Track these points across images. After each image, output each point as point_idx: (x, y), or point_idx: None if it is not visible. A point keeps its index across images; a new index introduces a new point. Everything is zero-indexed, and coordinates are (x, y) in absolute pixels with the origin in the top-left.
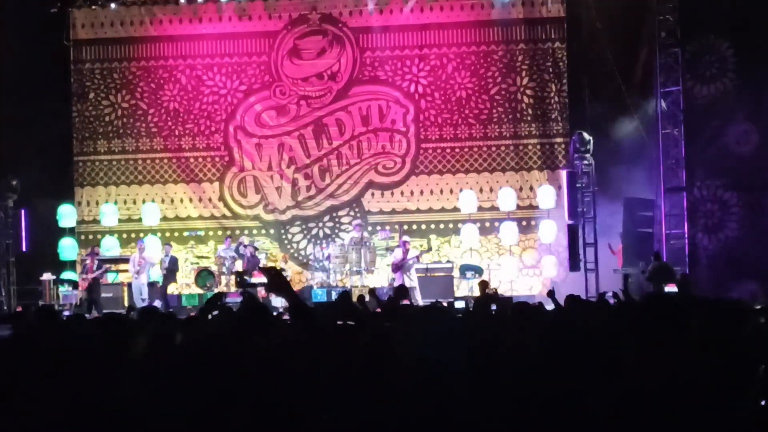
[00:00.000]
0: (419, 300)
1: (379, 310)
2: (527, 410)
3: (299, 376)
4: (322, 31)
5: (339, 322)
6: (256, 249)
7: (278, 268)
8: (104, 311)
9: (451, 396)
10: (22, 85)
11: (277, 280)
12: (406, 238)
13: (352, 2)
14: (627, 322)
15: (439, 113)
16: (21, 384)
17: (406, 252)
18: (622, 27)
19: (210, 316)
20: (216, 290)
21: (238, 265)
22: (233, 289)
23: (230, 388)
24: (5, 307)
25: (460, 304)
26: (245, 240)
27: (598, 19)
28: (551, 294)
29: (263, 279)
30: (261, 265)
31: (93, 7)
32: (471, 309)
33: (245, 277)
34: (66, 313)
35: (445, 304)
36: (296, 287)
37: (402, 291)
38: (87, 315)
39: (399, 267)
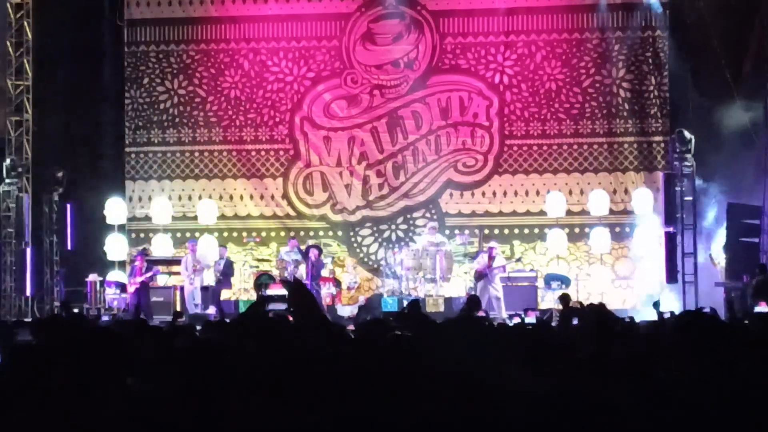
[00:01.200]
0: (503, 313)
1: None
2: None
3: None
4: (399, 13)
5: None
6: (320, 251)
7: (294, 280)
8: (155, 317)
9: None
10: (71, 68)
11: (299, 295)
12: (493, 243)
13: None
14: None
15: (525, 107)
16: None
17: (491, 259)
18: (732, 14)
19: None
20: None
21: (302, 269)
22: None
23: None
24: (49, 309)
25: (530, 318)
26: (311, 242)
27: (705, 5)
28: (656, 306)
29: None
30: (281, 277)
31: None
32: (542, 323)
33: (262, 289)
34: (105, 318)
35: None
36: (365, 294)
37: (475, 302)
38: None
39: (483, 275)
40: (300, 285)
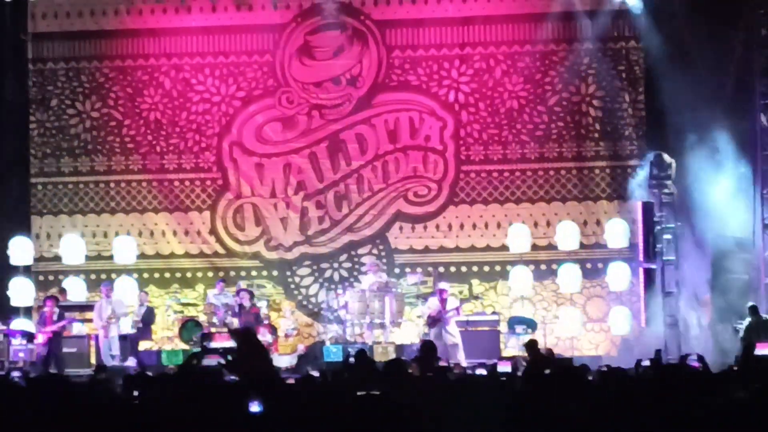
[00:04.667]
0: (462, 360)
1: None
2: None
3: None
4: (340, 24)
5: (360, 393)
6: (252, 295)
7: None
8: (67, 370)
9: None
10: None
11: (249, 347)
12: (443, 284)
13: None
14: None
15: (484, 128)
16: None
17: (443, 302)
18: (713, 23)
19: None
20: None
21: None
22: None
23: None
24: None
25: (504, 367)
26: (242, 284)
27: (683, 13)
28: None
29: (228, 343)
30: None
31: None
32: (520, 374)
33: (205, 341)
34: (15, 374)
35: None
36: (305, 342)
37: (430, 346)
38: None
39: (436, 321)
40: (250, 336)
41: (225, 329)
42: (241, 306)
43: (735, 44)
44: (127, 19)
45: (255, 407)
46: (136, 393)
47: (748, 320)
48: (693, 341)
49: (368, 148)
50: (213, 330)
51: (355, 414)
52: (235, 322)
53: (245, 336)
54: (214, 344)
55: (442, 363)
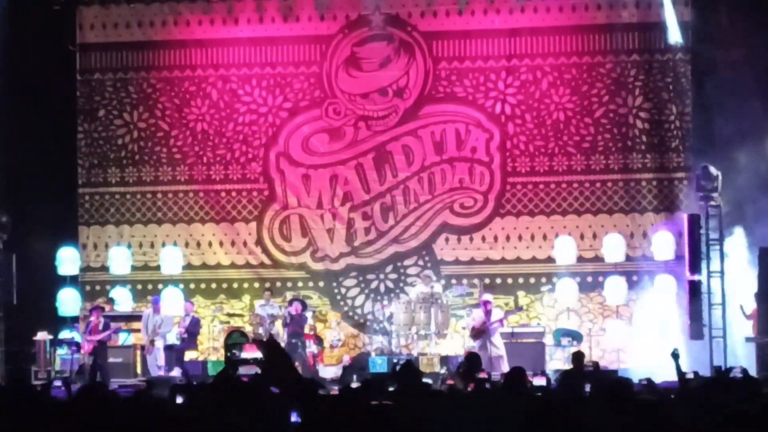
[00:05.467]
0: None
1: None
2: None
3: None
4: (387, 36)
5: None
6: (304, 306)
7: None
8: (112, 380)
9: None
10: (17, 100)
11: (275, 356)
12: (487, 296)
13: (424, 1)
14: None
15: (530, 140)
16: None
17: (488, 314)
18: (763, 35)
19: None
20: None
21: (279, 326)
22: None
23: None
24: None
25: (539, 381)
26: (288, 296)
27: (733, 25)
28: (675, 357)
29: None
30: (254, 338)
31: (105, 3)
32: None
33: (234, 351)
34: (56, 383)
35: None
36: (350, 353)
37: (475, 360)
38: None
39: (480, 332)
40: (275, 345)
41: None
42: (291, 315)
43: None
44: (175, 30)
45: (292, 417)
46: (180, 401)
47: None
48: (738, 354)
49: (414, 160)
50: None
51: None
52: (282, 332)
53: (268, 345)
54: (244, 354)
55: (482, 375)
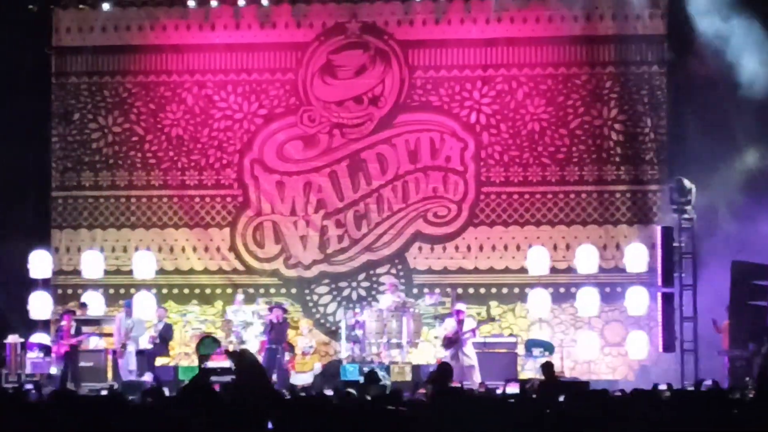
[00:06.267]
0: (478, 382)
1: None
2: None
3: None
4: (363, 44)
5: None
6: (285, 312)
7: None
8: (83, 384)
9: None
10: None
11: (246, 366)
12: (460, 305)
13: (401, 9)
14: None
15: (505, 150)
16: None
17: (460, 323)
18: (739, 46)
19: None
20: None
21: (251, 332)
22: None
23: None
24: None
25: (513, 389)
26: (261, 302)
27: (708, 36)
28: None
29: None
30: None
31: (81, 6)
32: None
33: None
34: (28, 387)
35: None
36: (321, 361)
37: (447, 370)
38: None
39: (452, 342)
40: (246, 355)
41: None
42: (272, 323)
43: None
44: (151, 35)
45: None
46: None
47: (766, 346)
48: (709, 367)
49: (389, 168)
50: (231, 347)
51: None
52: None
53: (241, 355)
54: (211, 364)
55: (455, 384)
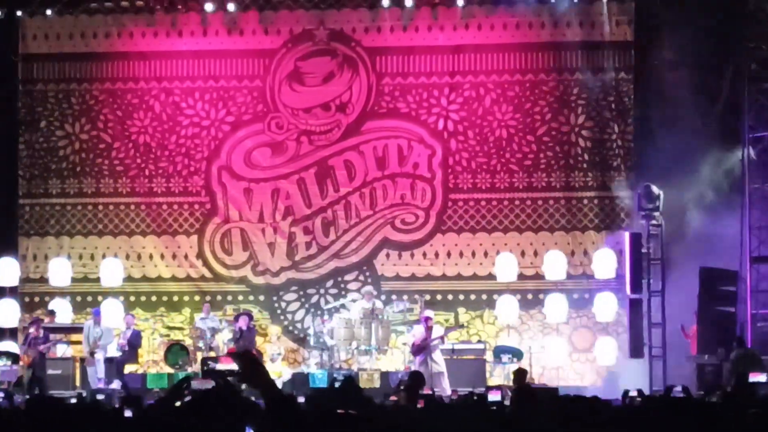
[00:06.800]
0: (447, 389)
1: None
2: None
3: None
4: (331, 50)
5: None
6: (251, 319)
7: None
8: (52, 392)
9: None
10: None
11: (252, 369)
12: (428, 312)
13: (368, 16)
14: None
15: (472, 156)
16: None
17: (428, 330)
18: (703, 55)
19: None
20: (190, 370)
21: (219, 339)
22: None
23: None
24: None
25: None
26: (229, 309)
27: (673, 45)
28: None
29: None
30: (231, 350)
31: (48, 13)
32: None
33: (210, 363)
34: None
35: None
36: (290, 368)
37: (418, 377)
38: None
39: (421, 349)
40: (250, 356)
41: (224, 353)
42: (241, 331)
43: (724, 77)
44: (118, 42)
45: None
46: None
47: (735, 352)
48: (678, 373)
49: (356, 175)
50: (212, 353)
51: None
52: (222, 347)
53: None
54: (219, 366)
55: (426, 391)
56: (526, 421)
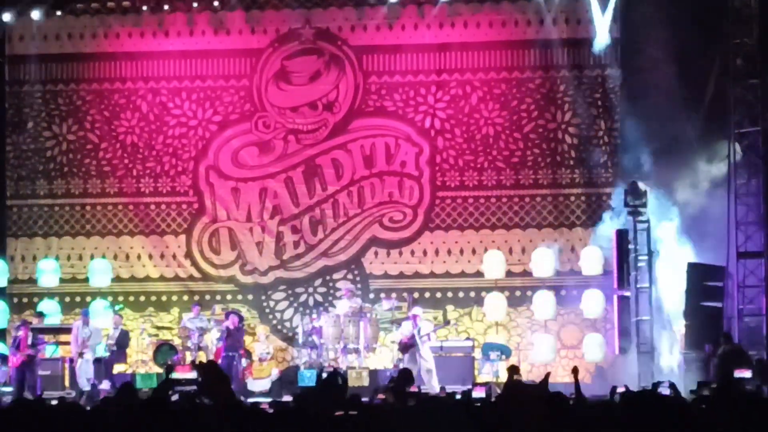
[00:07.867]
0: (436, 387)
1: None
2: None
3: None
4: (317, 49)
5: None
6: (241, 319)
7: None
8: (40, 394)
9: None
10: None
11: (213, 378)
12: (416, 310)
13: (354, 15)
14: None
15: (460, 154)
16: None
17: (417, 328)
18: (688, 51)
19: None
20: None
21: (208, 339)
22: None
23: None
24: None
25: (479, 393)
26: (217, 309)
27: (660, 41)
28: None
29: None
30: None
31: (34, 14)
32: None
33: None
34: None
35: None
36: (279, 367)
37: (406, 375)
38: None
39: (409, 346)
40: (213, 367)
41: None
42: (228, 330)
43: (710, 73)
44: (105, 43)
45: None
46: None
47: (722, 348)
48: (665, 369)
49: (344, 174)
50: (201, 353)
51: None
52: (212, 347)
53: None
54: (176, 375)
55: (413, 389)
56: (513, 417)
